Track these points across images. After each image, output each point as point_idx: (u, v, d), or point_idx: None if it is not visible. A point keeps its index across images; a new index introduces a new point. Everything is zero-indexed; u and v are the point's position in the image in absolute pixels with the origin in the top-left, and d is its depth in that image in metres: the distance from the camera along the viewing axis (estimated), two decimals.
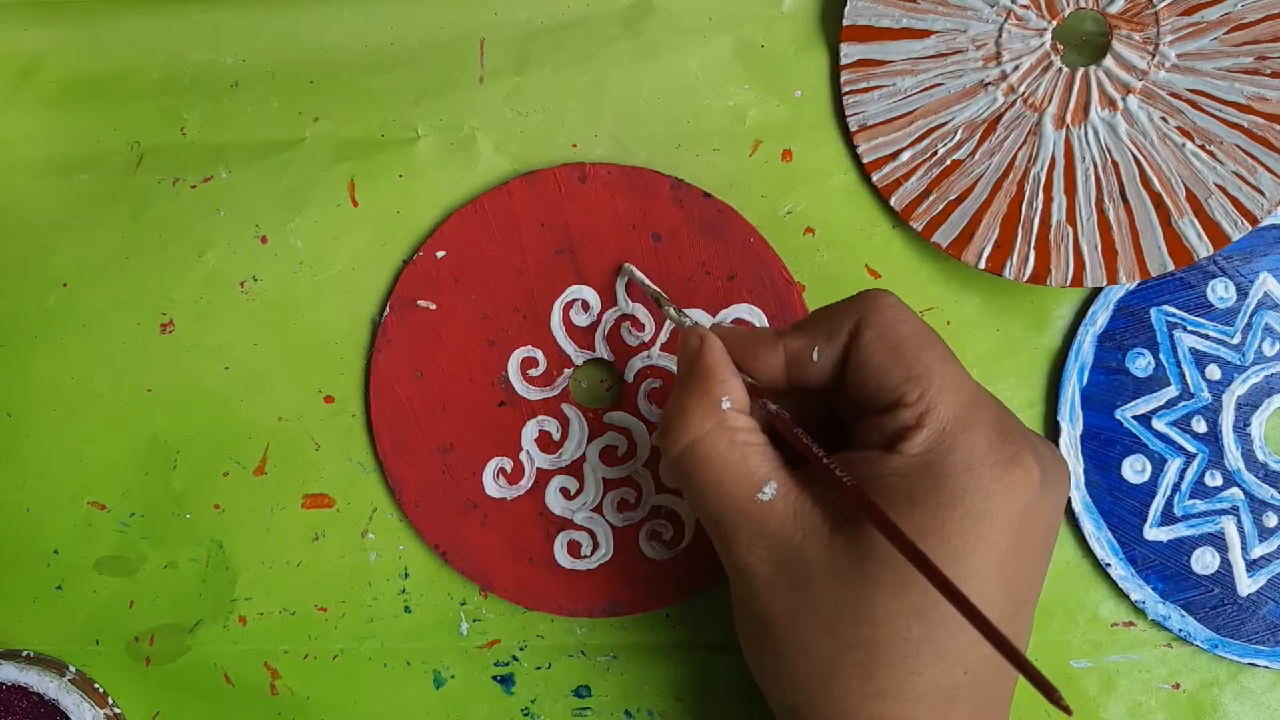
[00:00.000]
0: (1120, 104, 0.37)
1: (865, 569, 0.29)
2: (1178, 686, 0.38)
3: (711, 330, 0.33)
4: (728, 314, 0.38)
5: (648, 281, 0.38)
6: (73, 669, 0.39)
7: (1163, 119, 0.36)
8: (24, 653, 0.39)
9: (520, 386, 0.39)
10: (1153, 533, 0.38)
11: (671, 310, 0.36)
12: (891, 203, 0.38)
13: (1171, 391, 0.38)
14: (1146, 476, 0.38)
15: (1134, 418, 0.38)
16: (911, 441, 0.30)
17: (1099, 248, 0.37)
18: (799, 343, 0.32)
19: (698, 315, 0.38)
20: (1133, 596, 0.38)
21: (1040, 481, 0.30)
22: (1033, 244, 0.37)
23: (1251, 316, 0.38)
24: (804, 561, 0.30)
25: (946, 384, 0.30)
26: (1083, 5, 0.37)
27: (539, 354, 0.39)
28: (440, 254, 0.39)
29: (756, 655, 0.32)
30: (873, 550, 0.29)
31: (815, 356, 0.32)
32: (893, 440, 0.30)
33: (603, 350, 0.39)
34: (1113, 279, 0.37)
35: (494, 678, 0.39)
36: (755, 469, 0.31)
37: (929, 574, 0.27)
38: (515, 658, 0.39)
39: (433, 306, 0.39)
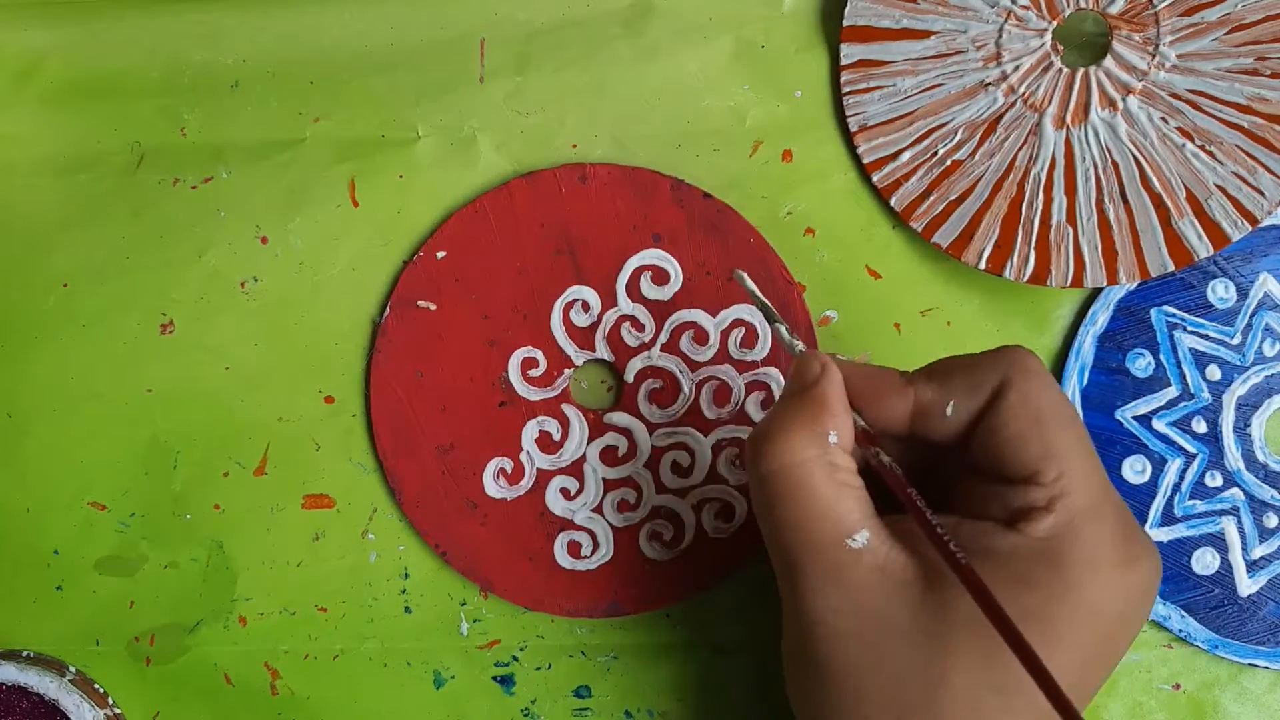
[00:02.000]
0: (1120, 104, 0.37)
1: (950, 635, 0.28)
2: (1178, 687, 0.38)
3: (834, 360, 0.31)
4: (727, 314, 0.38)
5: (758, 293, 0.34)
6: (73, 669, 0.39)
7: (1163, 119, 0.36)
8: (24, 653, 0.39)
9: (520, 387, 0.39)
10: (1153, 533, 0.38)
11: (783, 330, 0.34)
12: (892, 203, 0.38)
13: (1172, 392, 0.38)
14: (1147, 477, 0.38)
15: (1134, 418, 0.38)
16: (1037, 524, 0.28)
17: (1099, 248, 0.37)
18: (932, 394, 0.30)
19: (696, 316, 0.38)
20: None
21: (1150, 587, 0.29)
22: (1033, 244, 0.37)
23: (1252, 317, 0.38)
24: (885, 618, 0.29)
25: (1082, 470, 0.29)
26: (1083, 5, 0.37)
27: (539, 354, 0.39)
28: (440, 254, 0.39)
29: (806, 698, 0.31)
30: (960, 617, 0.28)
31: (949, 412, 0.30)
32: (1014, 517, 0.29)
33: (603, 350, 0.39)
34: (1113, 279, 0.37)
35: (494, 678, 0.39)
36: (849, 512, 0.29)
37: (1033, 669, 0.26)
38: (515, 658, 0.39)
39: (433, 306, 0.39)
